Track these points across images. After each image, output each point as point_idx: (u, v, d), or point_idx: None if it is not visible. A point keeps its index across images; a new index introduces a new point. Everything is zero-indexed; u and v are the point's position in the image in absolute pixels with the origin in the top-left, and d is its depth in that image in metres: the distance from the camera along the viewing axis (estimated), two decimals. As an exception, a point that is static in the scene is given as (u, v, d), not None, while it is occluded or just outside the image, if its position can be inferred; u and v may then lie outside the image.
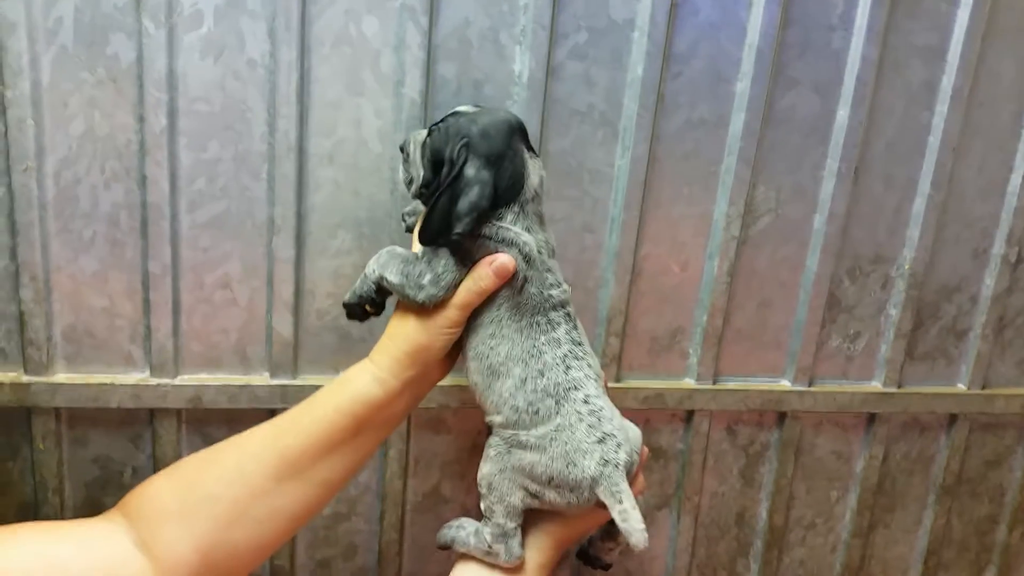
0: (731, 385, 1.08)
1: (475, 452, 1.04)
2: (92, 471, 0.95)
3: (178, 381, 0.92)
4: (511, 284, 0.74)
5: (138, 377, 0.92)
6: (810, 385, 1.11)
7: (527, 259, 0.74)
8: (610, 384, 1.03)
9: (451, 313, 0.75)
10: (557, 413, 0.74)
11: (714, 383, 1.07)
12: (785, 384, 1.10)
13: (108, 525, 0.72)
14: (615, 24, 0.93)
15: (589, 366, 0.78)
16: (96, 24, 0.83)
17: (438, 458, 1.04)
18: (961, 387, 1.17)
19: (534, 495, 0.76)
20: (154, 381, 0.92)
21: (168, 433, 0.94)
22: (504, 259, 0.73)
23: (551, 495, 0.75)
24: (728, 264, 1.02)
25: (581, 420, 0.74)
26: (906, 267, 1.09)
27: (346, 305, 0.81)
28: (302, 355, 0.96)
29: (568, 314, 0.78)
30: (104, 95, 0.85)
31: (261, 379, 0.94)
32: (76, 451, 0.94)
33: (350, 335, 0.96)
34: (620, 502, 0.73)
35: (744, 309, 1.06)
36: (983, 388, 1.17)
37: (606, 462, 0.73)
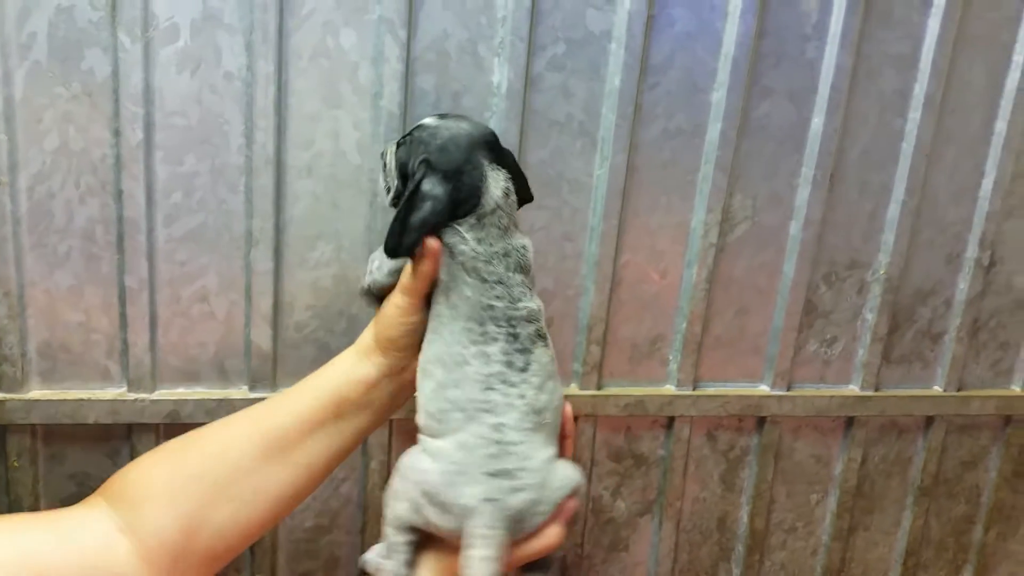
0: (711, 391, 1.09)
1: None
2: (69, 487, 0.94)
3: (156, 396, 0.92)
4: (439, 282, 0.74)
5: (115, 392, 0.91)
6: (788, 390, 1.12)
7: (458, 260, 0.73)
8: (592, 392, 1.03)
9: (397, 299, 0.75)
10: (462, 430, 0.70)
11: (694, 389, 1.08)
12: (764, 389, 1.11)
13: (88, 511, 0.71)
14: (592, 36, 0.93)
15: (521, 396, 0.71)
16: (71, 39, 0.82)
17: (420, 469, 1.04)
18: (937, 389, 1.19)
19: (416, 509, 0.70)
20: (131, 396, 0.91)
21: (146, 448, 0.92)
22: (431, 240, 0.72)
23: (429, 512, 0.69)
24: (706, 271, 1.03)
25: (483, 446, 0.68)
26: (881, 272, 1.11)
27: (362, 294, 0.82)
28: (281, 368, 0.95)
29: (515, 335, 0.72)
30: (79, 109, 0.84)
31: (240, 392, 0.94)
32: (52, 468, 0.93)
33: (329, 347, 0.96)
34: (472, 547, 0.66)
35: (722, 316, 1.07)
36: (959, 390, 1.19)
37: (488, 499, 0.67)
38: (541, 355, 0.74)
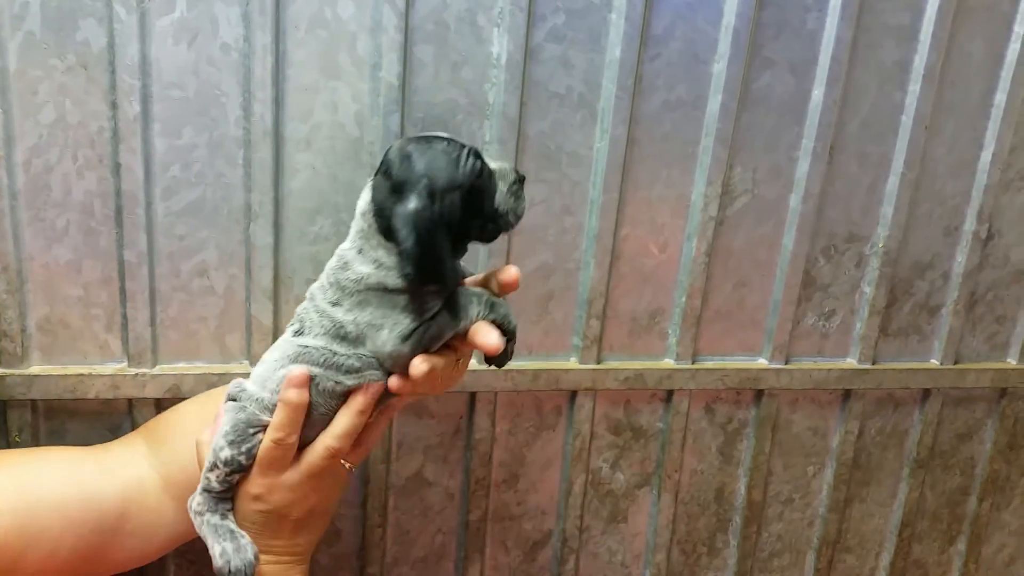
0: (709, 364, 1.09)
1: (457, 436, 1.05)
2: (70, 463, 0.94)
3: (156, 371, 0.91)
4: None
5: (115, 367, 0.91)
6: (786, 363, 1.12)
7: None
8: (592, 366, 1.04)
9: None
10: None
11: (693, 363, 1.08)
12: (762, 362, 1.11)
13: (127, 448, 0.83)
14: (592, 5, 0.92)
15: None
16: (64, 9, 0.81)
17: (421, 442, 1.04)
18: (934, 362, 1.19)
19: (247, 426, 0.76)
20: (132, 371, 0.91)
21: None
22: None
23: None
24: (706, 245, 1.03)
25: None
26: (880, 245, 1.11)
27: None
28: (282, 342, 0.95)
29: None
30: (75, 82, 0.83)
31: (240, 367, 0.94)
32: (54, 443, 0.93)
33: (330, 321, 0.96)
34: None
35: (721, 289, 1.07)
36: (955, 363, 1.19)
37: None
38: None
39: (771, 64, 1.00)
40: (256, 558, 0.74)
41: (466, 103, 0.93)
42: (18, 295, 0.87)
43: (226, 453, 0.73)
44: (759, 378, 1.11)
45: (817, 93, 1.02)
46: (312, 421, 0.73)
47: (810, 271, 1.10)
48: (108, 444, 0.85)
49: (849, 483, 1.22)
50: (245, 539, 0.74)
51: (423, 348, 0.72)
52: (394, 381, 0.73)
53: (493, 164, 0.73)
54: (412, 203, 0.68)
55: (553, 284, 1.02)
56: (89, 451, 0.83)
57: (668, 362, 1.08)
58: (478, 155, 0.71)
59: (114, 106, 0.84)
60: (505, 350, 0.75)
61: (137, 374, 0.91)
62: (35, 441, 0.92)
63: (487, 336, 0.71)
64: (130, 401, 0.92)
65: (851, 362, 1.16)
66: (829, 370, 1.14)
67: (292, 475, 0.74)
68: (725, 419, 1.14)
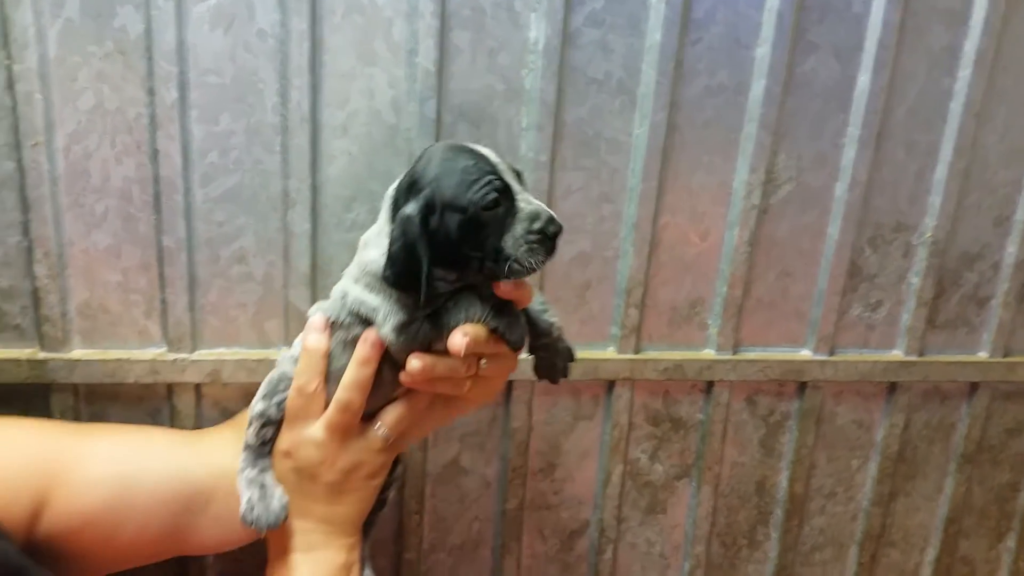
0: (751, 355, 1.07)
1: (495, 424, 1.04)
2: (111, 447, 0.95)
3: (195, 356, 0.92)
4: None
5: (155, 352, 0.92)
6: (831, 354, 1.09)
7: None
8: (630, 356, 1.02)
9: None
10: None
11: (734, 353, 1.06)
12: (806, 354, 1.09)
13: (218, 436, 0.84)
14: (633, -12, 0.91)
15: None
16: (103, -5, 0.81)
17: (458, 429, 1.04)
18: (983, 355, 1.16)
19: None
20: (171, 356, 0.91)
21: (187, 408, 0.94)
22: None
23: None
24: (748, 233, 1.01)
25: None
26: (928, 235, 1.08)
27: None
28: (319, 329, 0.95)
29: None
30: (113, 68, 0.83)
31: (279, 354, 0.93)
32: (95, 427, 0.94)
33: (366, 309, 0.95)
34: None
35: (764, 279, 1.05)
36: (1005, 356, 1.16)
37: None
38: None
39: (815, 48, 0.97)
40: (284, 510, 0.74)
41: (503, 89, 0.92)
42: (59, 280, 0.88)
43: (259, 406, 0.77)
44: (802, 370, 1.08)
45: (863, 79, 0.99)
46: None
47: (856, 261, 1.07)
48: (201, 431, 0.88)
49: (894, 477, 1.20)
50: (276, 491, 0.75)
51: (419, 345, 0.72)
52: (402, 374, 0.73)
53: (526, 206, 0.69)
54: (410, 207, 0.68)
55: (591, 273, 1.00)
56: (184, 435, 0.87)
57: (708, 352, 1.06)
58: (501, 189, 0.68)
59: (151, 92, 0.84)
60: (553, 367, 0.78)
61: (176, 359, 0.91)
62: (77, 425, 0.93)
63: (451, 338, 0.70)
64: (169, 386, 0.93)
65: (897, 354, 1.13)
66: (875, 362, 1.11)
67: (316, 429, 0.74)
68: (767, 411, 1.12)
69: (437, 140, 0.90)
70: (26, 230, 0.86)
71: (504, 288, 0.71)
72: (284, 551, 0.76)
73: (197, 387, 0.94)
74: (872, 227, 1.06)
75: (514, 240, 0.67)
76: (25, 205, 0.85)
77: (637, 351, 1.04)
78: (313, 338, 0.74)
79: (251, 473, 0.76)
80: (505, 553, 1.10)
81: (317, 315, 0.75)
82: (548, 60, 0.90)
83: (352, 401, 0.73)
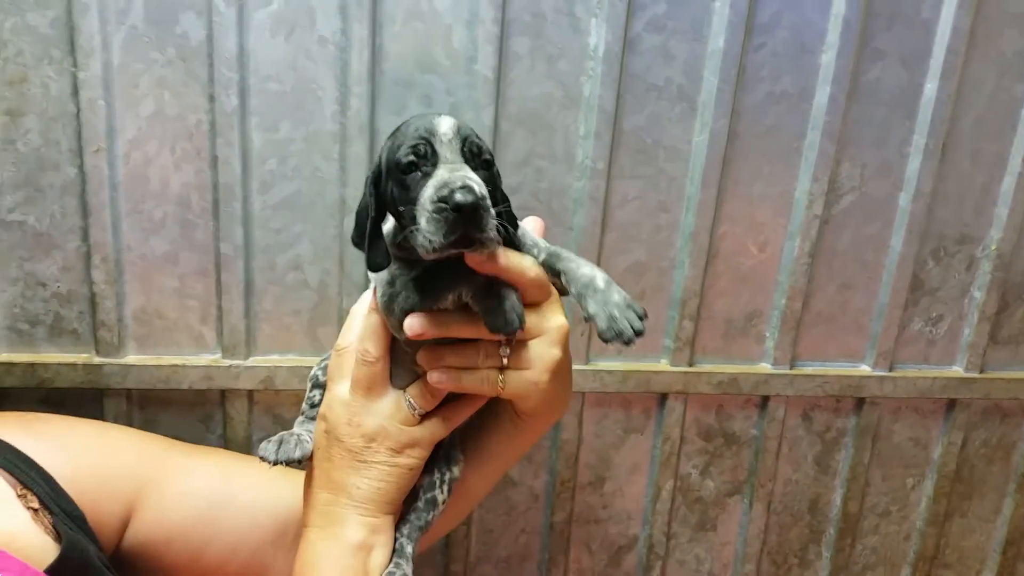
0: (809, 370, 1.05)
1: (544, 435, 1.03)
2: (163, 452, 0.95)
3: (250, 362, 0.92)
4: None
5: (209, 359, 0.92)
6: (890, 370, 1.07)
7: None
8: (683, 368, 1.00)
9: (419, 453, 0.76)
10: None
11: (791, 368, 1.04)
12: (865, 369, 1.07)
13: None
14: (695, -6, 0.89)
15: None
16: (166, 2, 0.81)
17: (507, 442, 1.03)
18: (1047, 372, 1.12)
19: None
20: (226, 362, 0.91)
21: (239, 414, 0.94)
22: None
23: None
24: (809, 244, 0.98)
25: None
26: (992, 248, 1.05)
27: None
28: (371, 337, 0.94)
29: None
30: (174, 75, 0.83)
31: (332, 362, 0.93)
32: (146, 430, 0.94)
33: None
34: None
35: (824, 291, 1.02)
36: (1070, 374, 1.13)
37: None
38: None
39: (882, 56, 0.95)
40: (301, 456, 0.71)
41: (561, 96, 0.90)
42: (116, 286, 0.88)
43: (312, 371, 0.77)
44: (861, 386, 1.06)
45: (930, 86, 0.97)
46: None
47: (918, 274, 1.04)
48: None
49: (950, 496, 1.17)
50: (303, 438, 0.72)
51: (401, 315, 0.66)
52: (418, 355, 0.70)
53: (446, 175, 0.60)
54: (371, 169, 0.67)
55: (645, 283, 0.99)
56: (283, 469, 0.80)
57: (764, 367, 1.04)
58: (422, 154, 0.62)
59: (212, 99, 0.84)
60: (614, 321, 0.65)
61: (231, 365, 0.91)
62: (131, 430, 0.93)
63: (405, 322, 0.66)
64: (223, 392, 0.93)
65: (957, 370, 1.10)
66: (934, 378, 1.08)
67: (343, 386, 0.71)
68: (823, 427, 1.09)
69: (494, 148, 0.89)
70: (85, 235, 0.86)
71: (470, 258, 0.64)
72: (306, 525, 0.73)
73: (250, 393, 0.93)
74: (935, 239, 1.04)
75: (421, 206, 0.60)
76: (85, 211, 0.85)
77: (691, 364, 1.02)
78: (358, 304, 0.73)
79: (295, 426, 0.76)
80: (552, 567, 1.08)
81: (368, 291, 0.73)
82: (608, 66, 0.89)
83: (368, 351, 0.69)
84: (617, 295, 0.65)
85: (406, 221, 0.62)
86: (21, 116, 0.82)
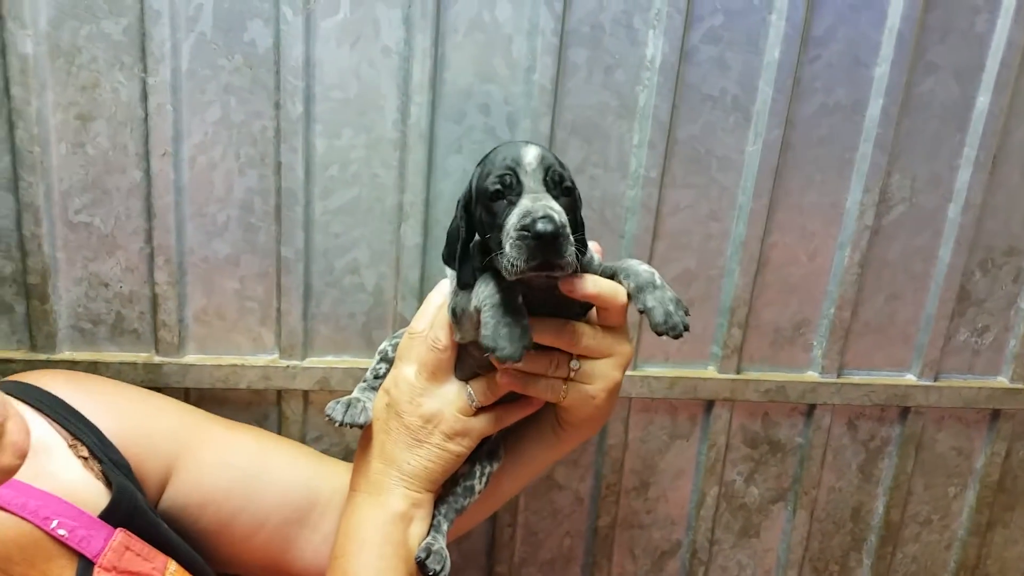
0: (856, 379, 1.05)
1: (590, 440, 1.04)
2: (219, 450, 0.97)
3: (306, 363, 0.93)
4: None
5: (267, 359, 0.93)
6: (935, 380, 1.07)
7: None
8: (731, 376, 1.01)
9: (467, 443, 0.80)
10: None
11: (838, 377, 1.04)
12: (910, 378, 1.07)
13: (345, 467, 0.86)
14: (752, 6, 0.90)
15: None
16: (234, 10, 0.83)
17: (554, 446, 1.04)
18: (1093, 384, 1.12)
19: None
20: (283, 363, 0.93)
21: (295, 414, 0.95)
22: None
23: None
24: (859, 255, 0.99)
25: None
26: (1040, 259, 1.05)
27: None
28: (425, 341, 0.96)
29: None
30: (240, 82, 0.85)
31: (386, 364, 0.95)
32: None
33: (472, 322, 0.96)
34: None
35: (873, 301, 1.03)
36: (1116, 386, 1.12)
37: None
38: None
39: (935, 69, 0.95)
40: (363, 418, 0.76)
41: (616, 105, 0.92)
42: (178, 287, 0.90)
43: (382, 345, 0.82)
44: (907, 395, 1.06)
45: (983, 99, 0.97)
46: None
47: (965, 285, 1.05)
48: (332, 458, 0.91)
49: (992, 506, 1.17)
50: (366, 406, 0.78)
51: (460, 321, 0.73)
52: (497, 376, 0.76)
53: (529, 204, 0.65)
54: (463, 193, 0.73)
55: (695, 291, 1.00)
56: (316, 453, 0.91)
57: (812, 375, 1.04)
58: (508, 183, 0.67)
59: (277, 106, 0.86)
60: (669, 316, 0.69)
61: (288, 366, 0.93)
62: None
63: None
64: (279, 392, 0.95)
65: (1002, 381, 1.10)
66: (979, 388, 1.08)
67: (411, 368, 0.76)
68: (868, 436, 1.10)
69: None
70: (149, 237, 0.88)
71: (565, 285, 0.69)
72: (355, 489, 0.78)
73: (305, 394, 0.95)
74: (983, 251, 1.04)
75: (506, 233, 0.65)
76: (150, 213, 0.87)
77: (738, 371, 1.03)
78: (435, 292, 0.78)
79: (355, 392, 0.81)
80: (595, 571, 1.09)
81: (445, 279, 0.79)
82: (664, 77, 0.90)
83: (438, 338, 0.75)
84: (670, 293, 0.71)
85: (492, 245, 0.67)
86: (91, 120, 0.84)
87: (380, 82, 0.86)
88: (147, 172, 0.86)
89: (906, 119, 0.96)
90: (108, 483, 0.70)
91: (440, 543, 0.76)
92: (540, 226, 0.62)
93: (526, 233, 0.62)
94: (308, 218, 0.89)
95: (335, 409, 0.76)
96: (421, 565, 0.73)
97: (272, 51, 0.84)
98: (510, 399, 0.78)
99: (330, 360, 0.95)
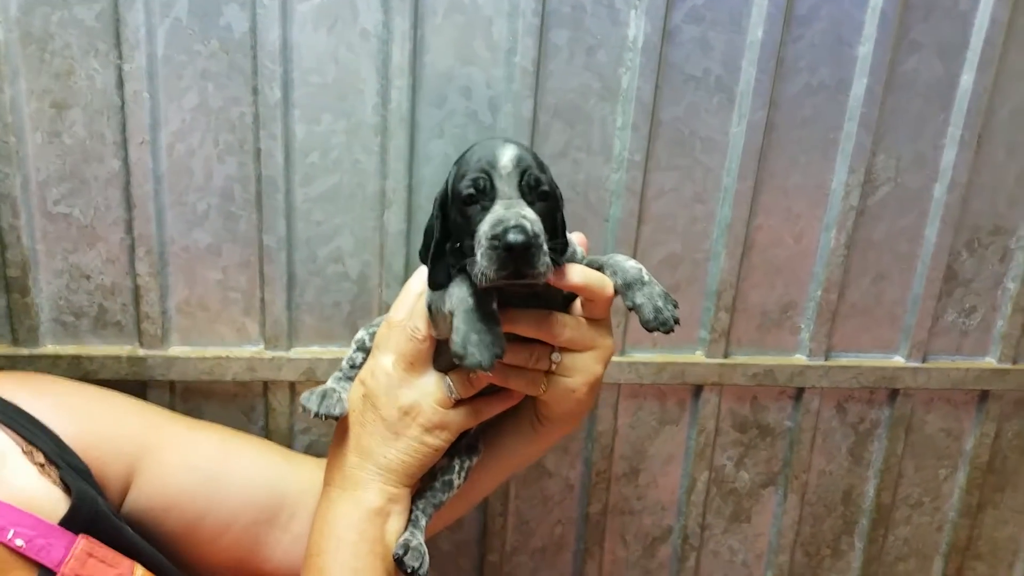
0: (843, 361, 1.05)
1: (579, 427, 1.03)
2: (204, 443, 0.96)
3: (292, 354, 0.92)
4: None
5: (252, 350, 0.92)
6: (923, 361, 1.07)
7: None
8: (719, 360, 1.01)
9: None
10: None
11: (826, 359, 1.04)
12: (899, 360, 1.07)
13: (313, 460, 0.88)
14: (734, -14, 0.89)
15: None
16: (210, -6, 0.82)
17: (542, 433, 1.03)
18: (1080, 364, 1.12)
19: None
20: (268, 354, 0.92)
21: (281, 405, 0.94)
22: None
23: None
24: (845, 236, 0.99)
25: None
26: (1027, 238, 1.05)
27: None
28: (410, 329, 0.95)
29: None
30: (217, 67, 0.84)
31: (372, 353, 0.94)
32: (188, 423, 0.95)
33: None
34: None
35: (859, 283, 1.03)
36: (1103, 365, 1.12)
37: None
38: None
39: (919, 47, 0.95)
40: (339, 409, 0.75)
41: (599, 87, 0.91)
42: (159, 278, 0.89)
43: (359, 333, 0.81)
44: (895, 377, 1.06)
45: (967, 78, 0.97)
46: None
47: (952, 265, 1.04)
48: (298, 454, 0.92)
49: (983, 488, 1.17)
50: (341, 396, 0.76)
51: (435, 320, 0.71)
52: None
53: (502, 211, 0.63)
54: (440, 190, 0.71)
55: (680, 275, 0.99)
56: (282, 449, 0.90)
57: (800, 358, 1.04)
58: (481, 187, 0.65)
59: (255, 91, 0.85)
60: (659, 312, 0.69)
61: (273, 357, 0.92)
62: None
63: None
64: (265, 384, 0.94)
65: (990, 361, 1.10)
66: (967, 370, 1.08)
67: (388, 357, 0.74)
68: (857, 419, 1.09)
69: (532, 140, 0.90)
70: (129, 228, 0.87)
71: (555, 276, 0.67)
72: (329, 484, 0.76)
73: (292, 385, 0.94)
74: (969, 230, 1.04)
75: (477, 240, 0.64)
76: (129, 203, 0.86)
77: (726, 355, 1.02)
78: (414, 280, 0.76)
79: (329, 382, 0.79)
80: (587, 557, 1.09)
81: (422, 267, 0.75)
82: (646, 58, 0.89)
83: (417, 328, 0.72)
84: (658, 287, 0.71)
85: (466, 249, 0.66)
86: (67, 109, 0.83)
87: (359, 66, 0.86)
88: (125, 161, 0.85)
89: (890, 98, 0.96)
90: (67, 489, 0.68)
91: (418, 539, 0.74)
92: (511, 237, 0.60)
93: (497, 243, 0.61)
94: (289, 206, 0.88)
95: (310, 400, 0.75)
96: (399, 562, 0.72)
97: (249, 35, 0.83)
98: (490, 392, 0.76)
99: (316, 350, 0.94)
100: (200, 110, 0.85)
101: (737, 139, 0.94)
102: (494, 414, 0.78)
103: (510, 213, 0.63)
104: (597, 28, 0.89)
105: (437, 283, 0.70)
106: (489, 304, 0.66)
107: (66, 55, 0.81)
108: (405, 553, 0.72)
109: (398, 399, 0.73)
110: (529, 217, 0.63)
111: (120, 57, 0.82)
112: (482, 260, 0.62)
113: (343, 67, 0.85)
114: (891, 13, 0.92)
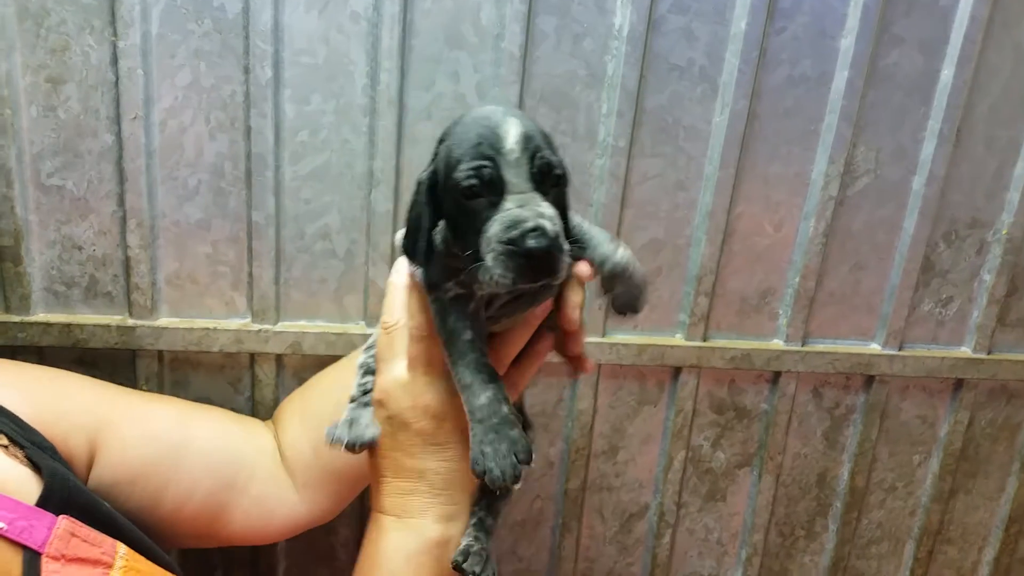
0: (820, 347, 1.07)
1: (560, 405, 1.06)
2: (193, 413, 0.98)
3: (278, 327, 0.95)
4: None
5: (240, 323, 0.95)
6: (900, 349, 1.09)
7: None
8: (697, 343, 1.03)
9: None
10: None
11: (803, 345, 1.06)
12: (875, 347, 1.09)
13: (263, 426, 0.90)
14: (719, -23, 0.91)
15: None
16: (204, -25, 0.83)
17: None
18: (1053, 355, 1.15)
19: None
20: (255, 327, 0.94)
21: (267, 377, 0.97)
22: None
23: None
24: (824, 225, 1.01)
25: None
26: (1003, 232, 1.07)
27: None
28: (395, 306, 0.97)
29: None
30: (210, 46, 0.86)
31: (358, 328, 0.96)
32: (177, 393, 0.97)
33: (443, 288, 0.97)
34: None
35: (837, 271, 1.05)
36: (1076, 357, 1.15)
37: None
38: None
39: (900, 41, 0.97)
40: (371, 435, 0.68)
41: (585, 74, 0.92)
42: (150, 250, 0.91)
43: (360, 358, 0.74)
44: (871, 363, 1.08)
45: (947, 73, 0.98)
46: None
47: (929, 256, 1.06)
48: (252, 418, 0.93)
49: (955, 474, 1.19)
50: (368, 422, 0.69)
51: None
52: None
53: (515, 209, 0.55)
54: (425, 172, 0.61)
55: (662, 259, 1.01)
56: (235, 415, 0.90)
57: (777, 343, 1.06)
58: (487, 179, 0.56)
59: (247, 71, 0.87)
60: (633, 299, 0.68)
61: (260, 330, 0.94)
62: (160, 390, 0.96)
63: None
64: (252, 355, 0.96)
65: (965, 351, 1.13)
66: (943, 358, 1.11)
67: (399, 367, 0.67)
68: (832, 404, 1.12)
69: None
70: (121, 201, 0.89)
71: (567, 318, 0.65)
72: (379, 510, 0.69)
73: (278, 357, 0.96)
74: (947, 222, 1.06)
75: (487, 241, 0.55)
76: (121, 177, 0.88)
77: (705, 339, 1.05)
78: (396, 275, 0.69)
79: (347, 413, 0.71)
80: (565, 532, 1.11)
81: (401, 257, 0.69)
82: (632, 46, 0.91)
83: (420, 325, 0.66)
84: (638, 278, 0.68)
85: (469, 251, 0.57)
86: (62, 84, 0.85)
87: (349, 48, 0.87)
88: (118, 136, 0.87)
89: (871, 91, 0.97)
90: (36, 468, 0.65)
91: (482, 542, 0.67)
92: (532, 243, 0.53)
93: (514, 248, 0.53)
94: (278, 183, 0.90)
95: (336, 432, 0.68)
96: (457, 568, 0.65)
97: (241, 16, 0.85)
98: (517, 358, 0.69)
99: (302, 324, 0.96)
100: (192, 88, 0.87)
101: (719, 128, 0.96)
102: (530, 379, 0.72)
103: (527, 212, 0.55)
104: (584, 16, 0.90)
105: (434, 284, 0.63)
106: (506, 405, 0.62)
107: (62, 31, 0.83)
108: (465, 559, 0.66)
109: (428, 407, 0.67)
110: (548, 215, 0.55)
111: (115, 34, 0.83)
112: (495, 266, 0.54)
113: (333, 49, 0.87)
114: (873, 7, 0.93)
